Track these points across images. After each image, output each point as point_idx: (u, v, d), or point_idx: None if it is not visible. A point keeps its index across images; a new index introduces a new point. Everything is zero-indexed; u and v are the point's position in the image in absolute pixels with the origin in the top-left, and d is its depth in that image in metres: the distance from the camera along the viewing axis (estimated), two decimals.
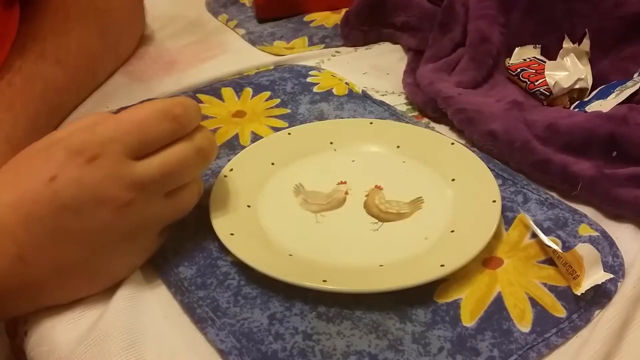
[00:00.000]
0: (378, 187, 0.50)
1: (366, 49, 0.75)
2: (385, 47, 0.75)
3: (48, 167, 0.37)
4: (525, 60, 0.62)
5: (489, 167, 0.49)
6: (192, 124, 0.41)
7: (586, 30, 0.59)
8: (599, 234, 0.44)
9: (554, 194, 0.49)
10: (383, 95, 0.65)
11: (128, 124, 0.38)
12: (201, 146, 0.41)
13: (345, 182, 0.50)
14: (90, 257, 0.39)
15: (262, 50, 0.74)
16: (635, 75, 0.56)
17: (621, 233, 0.45)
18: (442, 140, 0.54)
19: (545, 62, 0.61)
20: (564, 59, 0.60)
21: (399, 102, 0.63)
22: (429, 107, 0.60)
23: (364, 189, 0.50)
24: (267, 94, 0.64)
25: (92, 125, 0.39)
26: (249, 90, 0.65)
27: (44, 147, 0.39)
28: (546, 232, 0.44)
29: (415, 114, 0.61)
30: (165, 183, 0.40)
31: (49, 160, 0.38)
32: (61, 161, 0.37)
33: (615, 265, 0.42)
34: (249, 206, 0.48)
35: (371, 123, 0.56)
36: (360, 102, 0.62)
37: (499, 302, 0.40)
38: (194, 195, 0.43)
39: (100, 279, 0.41)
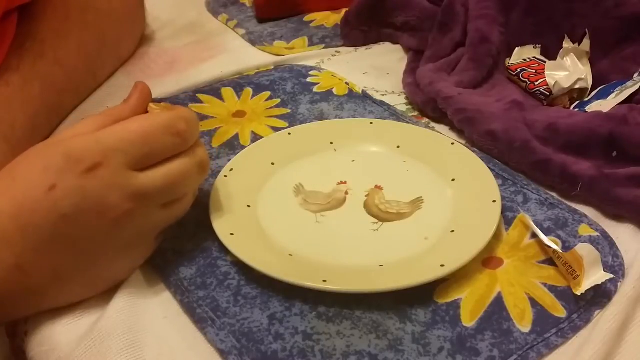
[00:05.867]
0: (378, 187, 0.50)
1: (366, 49, 0.75)
2: (385, 47, 0.75)
3: (47, 175, 0.37)
4: (525, 60, 0.62)
5: (489, 167, 0.49)
6: (194, 138, 0.41)
7: (586, 30, 0.59)
8: (599, 234, 0.44)
9: (554, 194, 0.49)
10: (383, 95, 0.65)
11: (133, 136, 0.38)
12: (202, 160, 0.42)
13: (345, 182, 0.50)
14: (89, 265, 0.39)
15: (262, 50, 0.74)
16: (635, 75, 0.56)
17: (621, 233, 0.45)
18: (442, 140, 0.54)
19: (545, 62, 0.61)
20: (564, 59, 0.60)
21: (399, 102, 0.63)
22: (429, 107, 0.60)
23: (364, 189, 0.50)
24: (267, 94, 0.64)
25: (93, 132, 0.39)
26: (249, 90, 0.65)
27: (42, 152, 0.39)
28: (546, 232, 0.44)
29: (415, 114, 0.61)
30: (166, 195, 0.40)
31: (48, 167, 0.37)
32: (60, 169, 0.37)
33: (615, 265, 0.42)
34: (249, 206, 0.48)
35: (371, 123, 0.57)
36: (360, 102, 0.62)
37: (499, 302, 0.40)
38: (190, 202, 0.43)
39: (100, 283, 0.41)
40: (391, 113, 0.60)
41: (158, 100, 0.62)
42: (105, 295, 0.41)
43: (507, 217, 0.46)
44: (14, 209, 0.37)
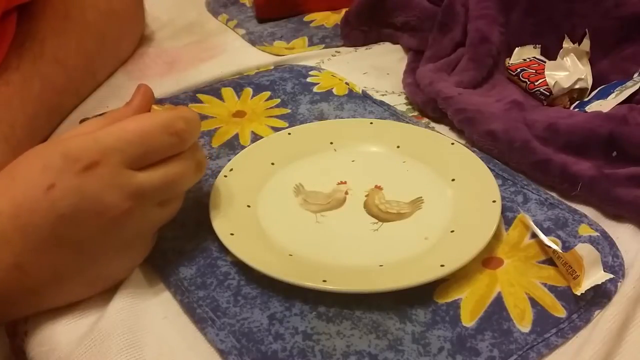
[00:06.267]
0: (378, 187, 0.50)
1: (366, 49, 0.75)
2: (385, 47, 0.75)
3: (45, 174, 0.37)
4: (525, 60, 0.62)
5: (489, 167, 0.49)
6: (193, 138, 0.41)
7: (586, 30, 0.59)
8: (599, 234, 0.44)
9: (554, 194, 0.49)
10: (383, 95, 0.65)
11: (130, 135, 0.38)
12: (200, 160, 0.42)
13: (345, 182, 0.50)
14: (88, 264, 0.39)
15: (262, 50, 0.74)
16: (635, 75, 0.56)
17: (621, 233, 0.45)
18: (442, 140, 0.54)
19: (545, 62, 0.61)
20: (564, 59, 0.60)
21: (399, 102, 0.63)
22: (429, 107, 0.60)
23: (364, 189, 0.50)
24: (267, 94, 0.64)
25: (91, 131, 0.39)
26: (249, 90, 0.65)
27: (41, 152, 0.39)
28: (546, 232, 0.44)
29: (415, 114, 0.61)
30: (164, 193, 0.40)
31: (46, 167, 0.37)
32: (58, 168, 0.37)
33: (615, 265, 0.42)
34: (249, 206, 0.48)
35: (371, 123, 0.57)
36: (360, 102, 0.62)
37: (499, 302, 0.40)
38: (182, 200, 0.43)
39: (99, 283, 0.41)
40: (391, 113, 0.60)
41: (160, 101, 0.62)
42: (105, 295, 0.41)
43: (507, 217, 0.46)
44: (13, 208, 0.37)
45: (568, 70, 0.59)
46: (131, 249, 0.41)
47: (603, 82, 0.58)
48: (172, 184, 0.40)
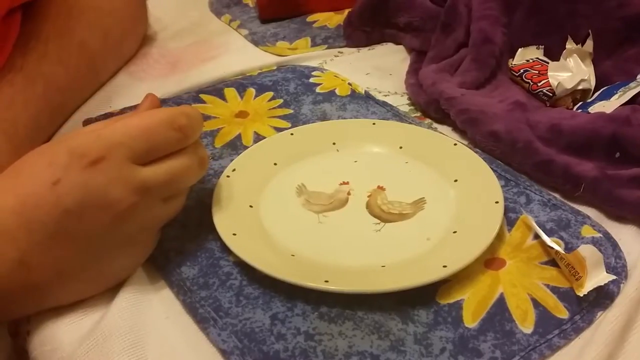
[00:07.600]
0: (380, 188, 0.50)
1: (369, 49, 0.75)
2: (388, 47, 0.75)
3: (51, 170, 0.37)
4: (528, 61, 0.62)
5: (491, 168, 0.49)
6: (196, 134, 0.42)
7: (589, 31, 0.59)
8: (601, 235, 0.44)
9: (557, 195, 0.49)
10: (386, 95, 0.65)
11: (135, 130, 0.38)
12: (203, 157, 0.42)
13: (347, 183, 0.50)
14: (93, 261, 0.39)
15: (265, 51, 0.74)
16: (639, 76, 0.56)
17: (624, 234, 0.45)
18: (444, 141, 0.54)
19: (548, 63, 0.61)
20: (567, 59, 0.60)
21: (401, 102, 0.63)
22: (431, 107, 0.60)
23: (366, 190, 0.50)
24: (270, 94, 0.64)
25: (95, 129, 0.39)
26: (251, 91, 0.65)
27: (46, 149, 0.39)
28: (549, 233, 0.44)
29: (418, 114, 0.61)
30: (168, 189, 0.41)
31: (52, 163, 0.37)
32: (64, 164, 0.37)
33: (617, 266, 0.42)
34: (251, 206, 0.48)
35: (374, 124, 0.57)
36: (362, 102, 0.62)
37: (501, 303, 0.40)
38: (185, 197, 0.44)
39: (103, 281, 0.41)
40: (394, 114, 0.60)
41: (162, 102, 0.62)
42: (108, 294, 0.41)
43: (509, 218, 0.46)
44: (19, 204, 0.37)
45: (571, 71, 0.59)
46: (135, 246, 0.41)
47: (606, 83, 0.58)
48: (176, 179, 0.40)
